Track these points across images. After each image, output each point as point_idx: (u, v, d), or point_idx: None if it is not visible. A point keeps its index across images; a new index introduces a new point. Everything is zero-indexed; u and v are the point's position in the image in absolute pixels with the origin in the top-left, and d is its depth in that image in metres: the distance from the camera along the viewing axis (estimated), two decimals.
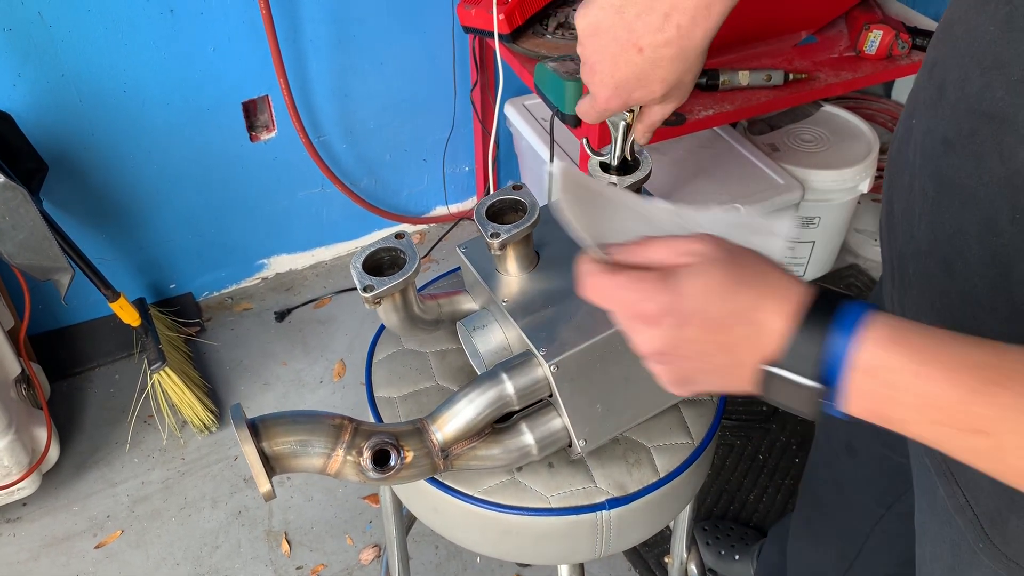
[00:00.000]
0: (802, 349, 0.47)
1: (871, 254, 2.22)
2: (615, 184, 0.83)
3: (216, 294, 2.10)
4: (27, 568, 1.57)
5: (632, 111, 0.78)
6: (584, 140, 0.84)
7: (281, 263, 2.15)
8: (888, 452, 0.98)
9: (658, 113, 0.78)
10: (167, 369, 1.69)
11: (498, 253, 0.80)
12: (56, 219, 1.53)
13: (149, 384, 1.73)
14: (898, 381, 0.44)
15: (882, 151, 2.13)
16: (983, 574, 0.67)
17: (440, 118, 2.09)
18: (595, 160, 0.85)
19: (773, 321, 0.48)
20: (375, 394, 0.90)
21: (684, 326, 0.50)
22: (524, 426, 0.79)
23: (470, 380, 0.78)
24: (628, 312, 0.53)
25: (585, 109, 0.78)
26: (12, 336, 1.64)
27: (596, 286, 0.55)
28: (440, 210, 2.28)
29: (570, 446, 0.80)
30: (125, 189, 1.82)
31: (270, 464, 0.74)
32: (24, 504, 1.66)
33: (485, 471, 0.82)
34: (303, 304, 2.08)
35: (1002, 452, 0.42)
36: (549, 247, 0.86)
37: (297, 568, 1.57)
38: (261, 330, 2.02)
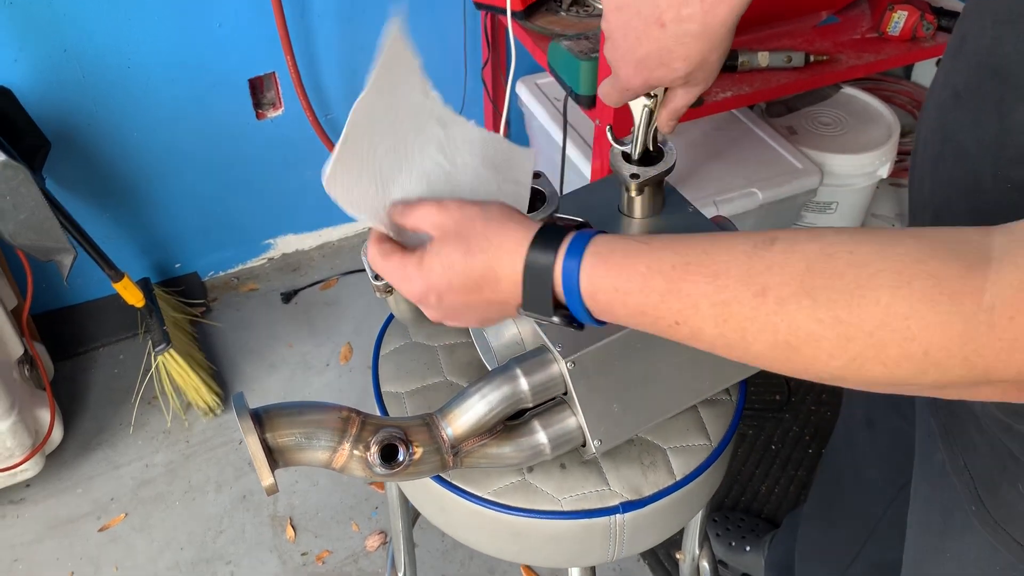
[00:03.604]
0: (536, 294, 0.56)
1: None
2: (634, 176, 0.80)
3: (222, 274, 2.07)
4: (31, 550, 1.56)
5: (655, 96, 0.75)
6: (608, 128, 0.81)
7: (288, 243, 2.12)
8: (903, 423, 0.96)
9: (682, 98, 0.74)
10: (171, 351, 1.67)
11: None
12: (59, 197, 1.50)
13: (153, 366, 1.70)
14: (610, 299, 0.52)
15: (903, 135, 2.08)
16: (972, 539, 0.68)
17: (450, 97, 2.02)
18: (617, 149, 0.81)
19: (509, 276, 0.57)
20: (382, 389, 0.87)
21: (444, 297, 0.60)
22: (537, 424, 0.76)
23: (481, 375, 0.75)
24: (405, 291, 0.63)
25: (607, 90, 0.74)
26: (15, 316, 1.61)
27: (376, 264, 0.65)
28: None
29: (584, 446, 0.77)
30: (129, 167, 1.79)
31: (273, 457, 0.71)
32: (28, 486, 1.64)
33: (495, 470, 0.79)
34: (310, 285, 2.05)
35: (699, 333, 0.49)
36: None
37: (302, 554, 1.55)
38: (267, 311, 1.99)
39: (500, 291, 0.58)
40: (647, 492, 0.78)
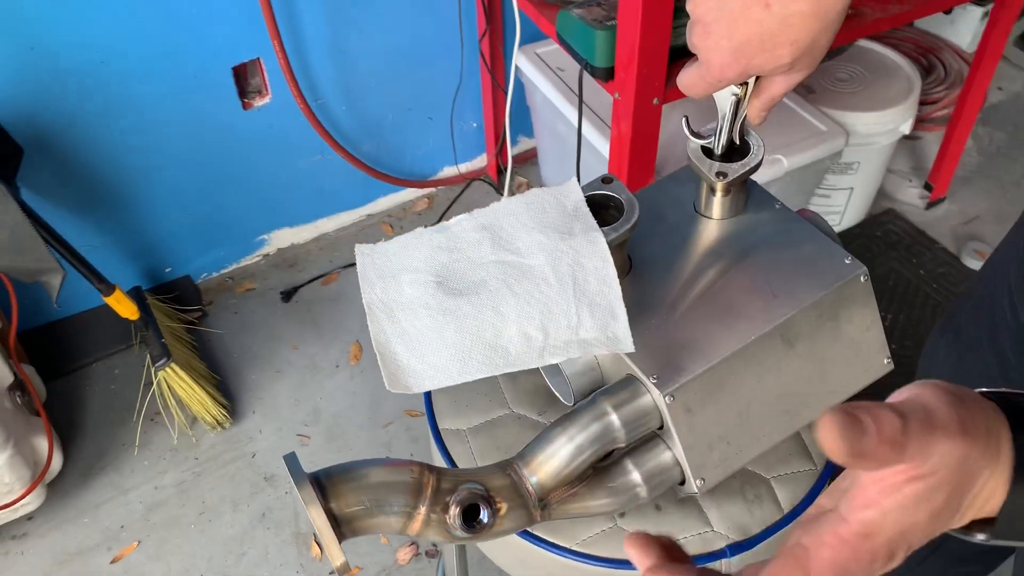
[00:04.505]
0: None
1: (907, 197, 2.10)
2: (721, 174, 0.70)
3: (215, 275, 1.95)
4: None
5: (746, 83, 0.65)
6: (684, 120, 0.70)
7: (282, 238, 2.00)
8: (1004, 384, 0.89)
9: (781, 86, 0.64)
10: (172, 365, 1.56)
11: None
12: (36, 208, 1.38)
13: (154, 382, 1.59)
14: None
15: None
16: None
17: (446, 72, 1.93)
18: (695, 144, 0.71)
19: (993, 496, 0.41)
20: (440, 426, 0.78)
21: (910, 539, 0.41)
22: (630, 464, 0.67)
23: (564, 413, 0.66)
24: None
25: (692, 80, 0.64)
26: (1, 340, 1.50)
27: None
28: (449, 171, 2.13)
29: (683, 484, 0.69)
30: (110, 169, 1.66)
31: (340, 529, 0.62)
32: (30, 519, 1.54)
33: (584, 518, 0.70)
34: (310, 281, 1.94)
35: None
36: (640, 247, 0.74)
37: (330, 573, 1.47)
38: (267, 312, 1.89)
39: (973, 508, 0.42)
40: (755, 530, 0.70)
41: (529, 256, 0.65)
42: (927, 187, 2.07)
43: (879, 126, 1.79)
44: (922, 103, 2.01)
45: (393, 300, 0.66)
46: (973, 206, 2.08)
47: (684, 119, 0.71)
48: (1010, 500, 0.41)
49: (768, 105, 0.66)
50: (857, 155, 1.83)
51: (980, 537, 0.42)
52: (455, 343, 0.62)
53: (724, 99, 0.67)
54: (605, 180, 0.70)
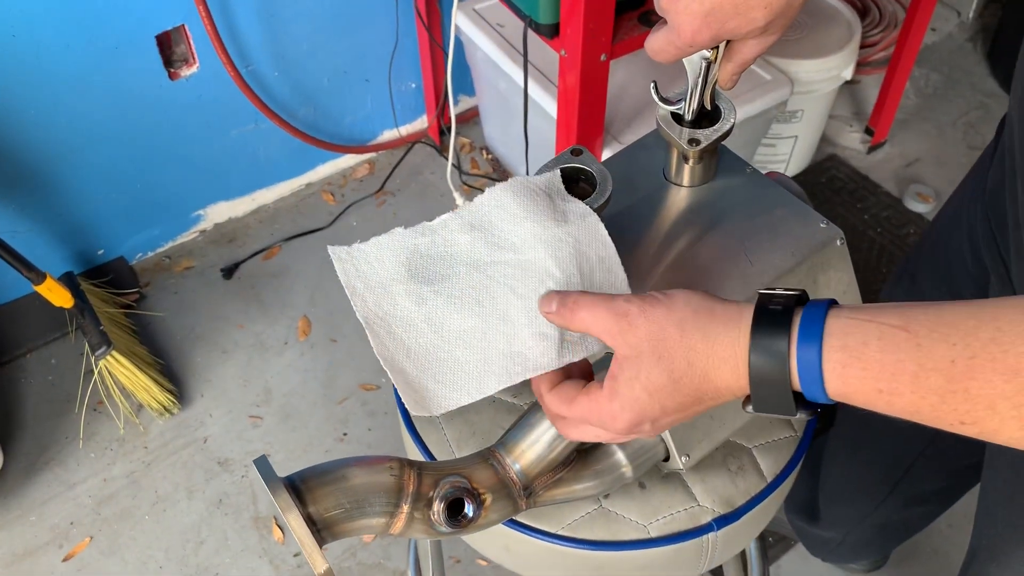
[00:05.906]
0: (771, 399, 0.47)
1: (849, 142, 2.11)
2: (693, 141, 0.68)
3: (151, 254, 1.87)
4: None
5: (716, 47, 0.62)
6: (653, 85, 0.68)
7: (219, 212, 1.92)
8: None
9: (753, 49, 0.62)
10: (114, 352, 1.50)
11: None
12: None
13: (95, 372, 1.53)
14: (871, 400, 0.44)
15: None
16: None
17: (381, 32, 1.86)
18: (664, 111, 0.69)
19: (730, 385, 0.49)
20: (412, 414, 0.74)
21: (658, 421, 0.52)
22: (614, 444, 0.66)
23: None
24: (607, 433, 0.54)
25: (661, 45, 0.61)
26: None
27: (562, 411, 0.56)
28: (389, 134, 2.07)
29: (666, 460, 0.68)
30: (32, 150, 1.56)
31: (320, 535, 0.59)
32: None
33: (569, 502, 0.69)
34: (251, 256, 1.87)
35: (995, 434, 0.41)
36: (611, 218, 0.71)
37: (294, 555, 1.44)
38: (208, 290, 1.82)
39: (723, 397, 0.50)
40: (740, 502, 0.69)
41: (527, 250, 0.62)
42: (868, 131, 2.08)
43: (822, 72, 1.78)
44: (860, 47, 2.02)
45: (389, 314, 0.62)
46: (913, 149, 2.10)
47: (652, 84, 0.68)
48: (753, 381, 0.47)
49: (740, 69, 0.64)
50: (801, 103, 1.83)
51: (749, 408, 0.49)
52: (467, 360, 0.59)
53: (694, 64, 0.64)
54: (575, 152, 0.67)
